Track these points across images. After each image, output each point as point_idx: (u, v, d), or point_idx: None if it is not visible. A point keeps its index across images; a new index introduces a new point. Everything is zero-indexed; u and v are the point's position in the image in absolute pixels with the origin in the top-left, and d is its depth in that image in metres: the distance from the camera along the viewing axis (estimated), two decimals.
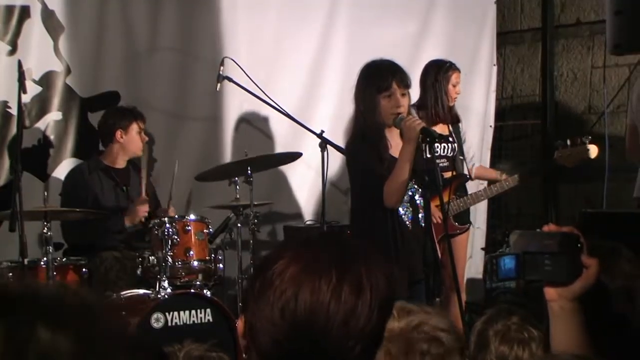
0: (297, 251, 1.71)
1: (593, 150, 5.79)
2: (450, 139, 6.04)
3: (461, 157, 6.15)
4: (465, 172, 6.23)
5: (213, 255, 5.55)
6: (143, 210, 5.77)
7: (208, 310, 5.18)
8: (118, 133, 5.96)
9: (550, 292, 2.10)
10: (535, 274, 2.12)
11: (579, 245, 2.07)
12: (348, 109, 6.03)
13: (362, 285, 1.65)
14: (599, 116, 7.19)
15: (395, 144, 5.02)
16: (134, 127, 5.97)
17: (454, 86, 6.11)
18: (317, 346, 1.62)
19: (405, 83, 5.06)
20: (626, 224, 4.92)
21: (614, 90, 7.18)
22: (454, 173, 6.02)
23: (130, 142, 5.98)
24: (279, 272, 1.65)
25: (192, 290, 5.38)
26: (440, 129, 5.95)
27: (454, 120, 6.14)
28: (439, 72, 6.08)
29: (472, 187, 6.39)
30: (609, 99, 7.14)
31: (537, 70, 7.89)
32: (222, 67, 6.06)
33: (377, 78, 5.05)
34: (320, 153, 5.67)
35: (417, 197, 5.14)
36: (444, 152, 6.01)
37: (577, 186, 6.79)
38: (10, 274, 5.29)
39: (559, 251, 2.09)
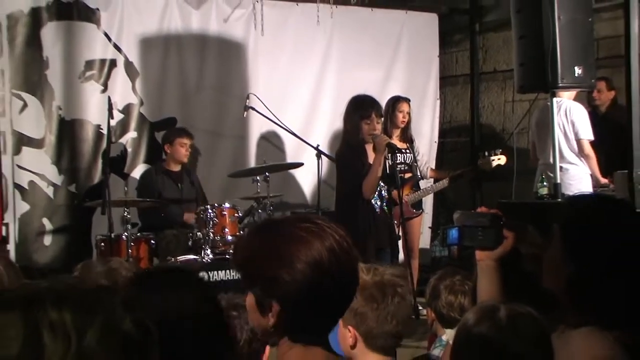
0: (259, 226, 1.62)
1: (503, 159, 5.85)
2: (408, 152, 6.06)
3: (415, 164, 6.13)
4: (418, 174, 6.22)
5: (241, 232, 5.50)
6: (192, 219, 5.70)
7: None
8: (166, 146, 5.97)
9: (480, 254, 2.11)
10: (471, 241, 2.13)
11: (501, 222, 2.09)
12: (337, 128, 6.10)
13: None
14: (510, 135, 7.16)
15: (371, 155, 5.11)
16: (178, 142, 5.93)
17: (401, 112, 5.94)
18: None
19: (380, 113, 5.15)
20: (529, 210, 4.96)
21: (519, 117, 7.15)
22: (411, 175, 6.07)
23: (175, 152, 5.94)
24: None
25: (227, 257, 5.31)
26: (401, 145, 5.98)
27: (410, 140, 6.10)
28: (388, 104, 5.95)
29: (423, 184, 6.44)
30: (516, 124, 7.16)
31: (467, 103, 7.84)
32: (247, 100, 6.03)
33: (361, 108, 5.10)
34: (316, 160, 5.66)
35: (383, 191, 5.21)
36: (404, 160, 6.04)
37: (495, 184, 6.83)
38: (102, 244, 5.30)
39: (489, 226, 2.10)
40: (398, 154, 5.69)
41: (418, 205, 6.08)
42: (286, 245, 1.44)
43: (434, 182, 6.21)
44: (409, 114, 6.01)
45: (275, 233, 1.48)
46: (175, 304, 1.56)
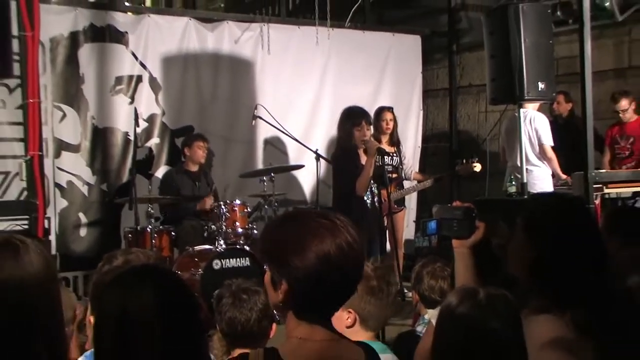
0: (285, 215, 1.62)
1: (478, 167, 5.85)
2: (395, 155, 6.08)
3: (401, 167, 6.15)
4: (403, 176, 6.23)
5: (250, 225, 5.50)
6: (209, 203, 5.69)
7: (247, 258, 5.12)
8: (186, 149, 5.96)
9: (455, 243, 2.12)
10: (448, 231, 2.12)
11: (473, 214, 2.10)
12: (333, 135, 6.09)
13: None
14: (483, 141, 7.17)
15: (363, 157, 5.13)
16: (195, 145, 5.91)
17: (384, 120, 5.86)
18: None
19: (369, 122, 5.17)
20: (500, 206, 4.99)
21: (491, 125, 7.16)
22: (396, 175, 6.09)
23: (193, 154, 5.92)
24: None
25: (238, 246, 5.30)
26: (389, 149, 6.01)
27: (397, 144, 6.11)
28: (374, 115, 5.85)
29: (406, 184, 6.45)
30: (489, 131, 7.18)
31: (447, 113, 7.85)
32: (255, 110, 5.94)
33: (353, 117, 5.12)
34: (315, 162, 5.57)
35: (374, 188, 5.23)
36: (391, 162, 6.06)
37: (470, 183, 6.85)
38: (130, 236, 5.31)
39: (463, 218, 2.09)
40: (386, 157, 5.73)
41: (401, 202, 6.09)
42: (302, 235, 1.46)
43: (417, 183, 6.23)
44: (392, 120, 5.94)
45: (295, 223, 1.50)
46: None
